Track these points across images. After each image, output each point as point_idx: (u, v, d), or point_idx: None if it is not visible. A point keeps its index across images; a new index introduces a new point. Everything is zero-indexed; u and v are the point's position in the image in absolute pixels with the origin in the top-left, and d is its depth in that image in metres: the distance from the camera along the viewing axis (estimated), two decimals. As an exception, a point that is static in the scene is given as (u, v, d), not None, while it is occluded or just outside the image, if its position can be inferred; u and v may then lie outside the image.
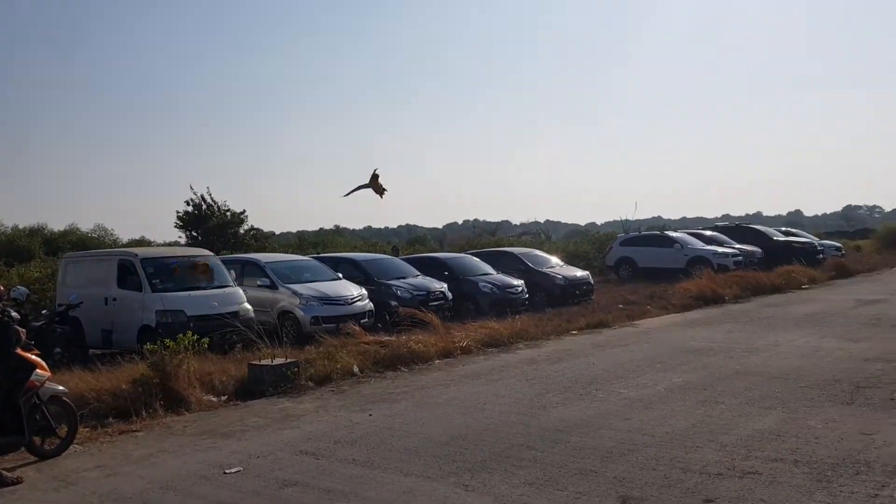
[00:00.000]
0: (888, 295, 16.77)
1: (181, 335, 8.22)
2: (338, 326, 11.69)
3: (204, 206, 23.97)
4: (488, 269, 17.04)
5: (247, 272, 13.72)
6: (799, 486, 4.70)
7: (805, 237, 29.12)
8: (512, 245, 25.31)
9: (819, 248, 26.87)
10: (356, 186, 3.77)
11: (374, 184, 3.77)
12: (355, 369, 9.17)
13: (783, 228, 31.86)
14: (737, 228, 27.47)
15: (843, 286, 20.01)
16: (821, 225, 77.65)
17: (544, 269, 18.28)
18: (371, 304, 13.41)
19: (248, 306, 11.75)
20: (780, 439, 5.75)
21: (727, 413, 6.65)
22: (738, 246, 23.73)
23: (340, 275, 14.11)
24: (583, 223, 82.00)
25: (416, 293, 14.33)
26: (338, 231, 49.78)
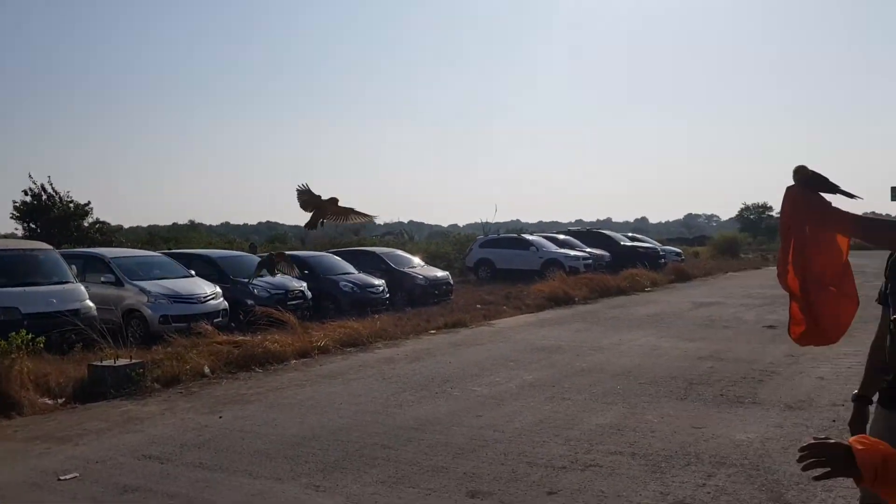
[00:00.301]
0: (722, 298, 18.12)
1: (13, 333, 7.64)
2: (189, 326, 11.23)
3: (44, 197, 22.36)
4: (349, 268, 16.94)
5: (90, 268, 12.89)
6: (635, 477, 5.00)
7: (649, 243, 31.03)
8: (375, 245, 25.30)
9: (661, 253, 28.73)
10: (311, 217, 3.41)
11: (332, 208, 3.33)
12: (206, 370, 8.85)
13: (630, 234, 33.75)
14: (588, 233, 28.85)
15: (682, 289, 21.45)
16: (664, 231, 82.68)
17: (406, 269, 18.41)
18: (225, 302, 12.98)
19: (91, 304, 11.05)
20: (620, 433, 6.09)
21: (573, 409, 6.96)
22: (588, 250, 24.93)
23: (193, 272, 13.58)
24: (445, 225, 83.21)
25: (273, 292, 14.01)
26: (193, 226, 47.84)
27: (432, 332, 12.64)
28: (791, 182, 2.26)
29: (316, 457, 5.61)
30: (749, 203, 73.24)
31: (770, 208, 76.21)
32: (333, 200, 3.36)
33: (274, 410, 7.15)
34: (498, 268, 23.78)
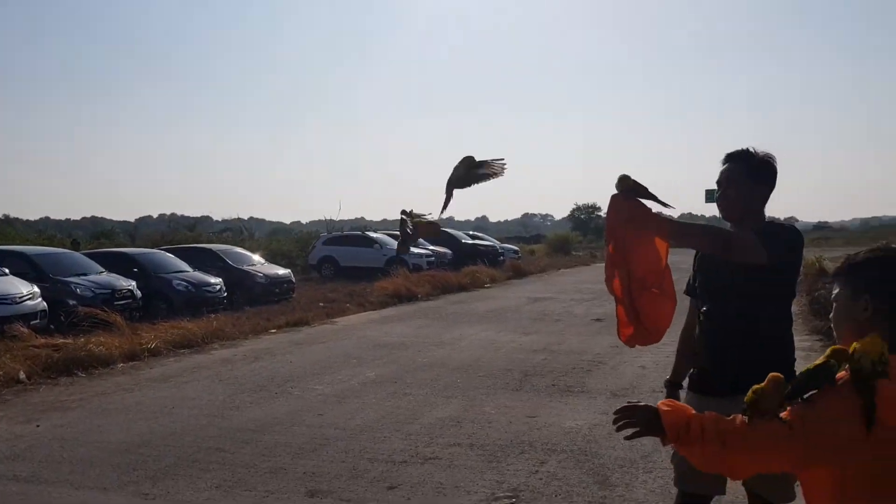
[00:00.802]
0: (555, 294, 19.00)
1: None
2: (2, 328, 10.32)
3: None
4: (184, 266, 16.19)
5: None
6: (473, 468, 5.14)
7: (489, 241, 32.02)
8: (211, 242, 24.35)
9: (500, 251, 29.76)
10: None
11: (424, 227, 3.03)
12: (21, 376, 8.15)
13: (470, 232, 34.61)
14: (431, 231, 29.25)
15: (519, 285, 22.29)
16: (503, 230, 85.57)
17: (245, 267, 17.87)
18: (44, 303, 12.03)
19: None
20: (459, 425, 6.24)
21: (414, 404, 7.05)
22: (431, 247, 25.29)
23: (7, 270, 12.46)
24: (288, 221, 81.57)
25: (99, 291, 13.16)
26: (7, 221, 43.94)
27: (273, 331, 12.35)
28: (615, 191, 2.37)
29: (145, 464, 5.32)
30: (580, 203, 77.41)
31: (598, 208, 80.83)
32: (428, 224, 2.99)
33: (98, 417, 6.71)
34: (342, 265, 23.66)
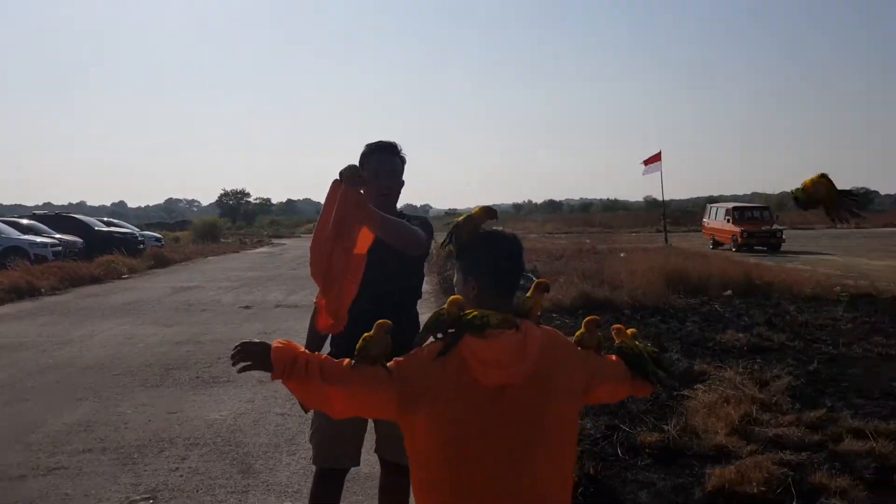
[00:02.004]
0: (202, 282, 18.36)
1: None
2: None
3: None
4: None
5: None
6: (105, 473, 4.77)
7: (127, 228, 29.71)
8: None
9: (140, 238, 27.79)
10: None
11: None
12: None
13: (105, 218, 31.82)
14: (57, 217, 26.36)
15: (162, 275, 21.10)
16: (143, 216, 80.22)
17: None
18: None
19: None
20: (90, 430, 5.74)
21: (35, 410, 6.31)
22: (57, 236, 22.77)
23: None
24: None
25: None
26: None
27: None
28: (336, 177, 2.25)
29: None
30: (229, 189, 75.65)
31: (248, 194, 80.00)
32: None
33: None
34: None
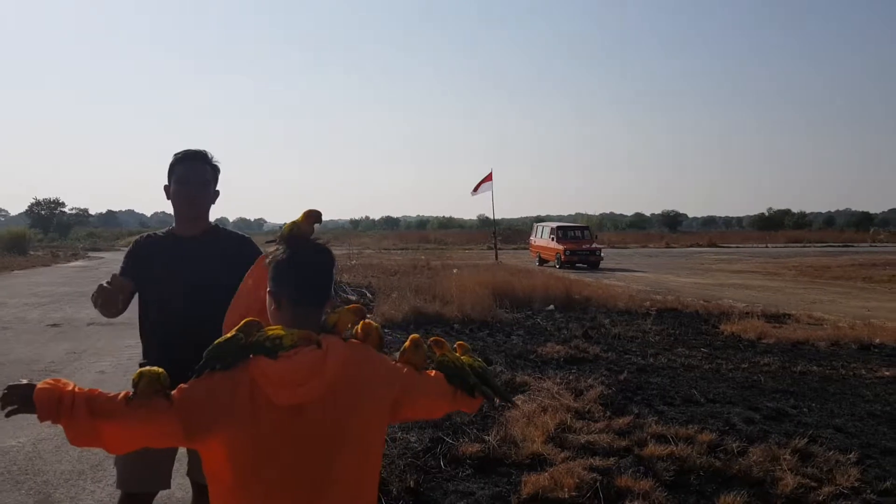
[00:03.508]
0: (5, 298, 16.75)
1: None
2: None
3: None
4: None
5: None
6: None
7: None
8: None
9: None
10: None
11: None
12: None
13: None
14: None
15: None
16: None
17: None
18: None
19: None
20: None
21: None
22: None
23: None
24: None
25: None
26: None
27: None
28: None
29: None
30: (41, 198, 69.94)
31: (63, 204, 74.29)
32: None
33: None
34: None
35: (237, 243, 2.98)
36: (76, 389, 1.71)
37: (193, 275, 2.82)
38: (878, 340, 9.79)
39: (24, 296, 17.37)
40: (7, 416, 1.73)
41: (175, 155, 2.88)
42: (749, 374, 7.87)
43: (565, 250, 27.92)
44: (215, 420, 1.68)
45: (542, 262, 29.60)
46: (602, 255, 28.74)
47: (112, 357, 9.07)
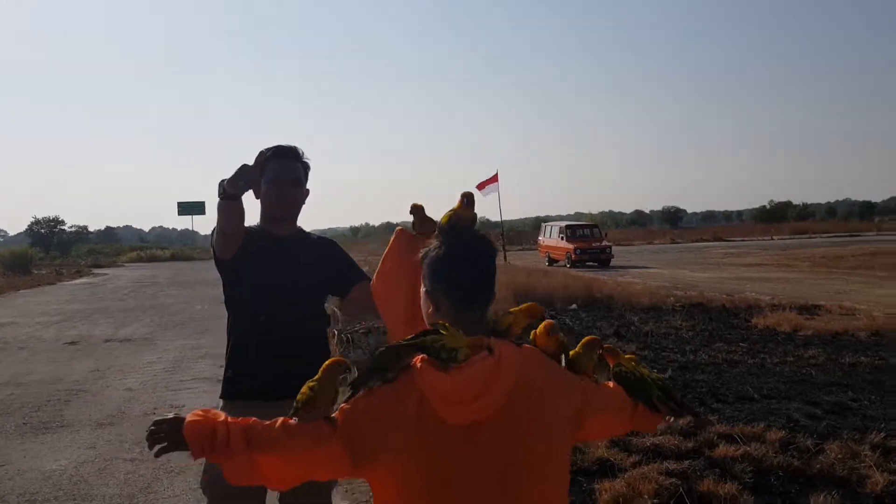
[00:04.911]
0: (16, 318, 16.54)
1: None
2: None
3: None
4: None
5: None
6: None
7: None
8: None
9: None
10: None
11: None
12: None
13: None
14: None
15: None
16: (-61, 247, 72.19)
17: None
18: None
19: None
20: None
21: None
22: None
23: None
24: None
25: None
26: None
27: None
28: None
29: None
30: (40, 217, 69.74)
31: (63, 221, 74.04)
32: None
33: None
34: None
35: (329, 246, 2.79)
36: (229, 420, 1.51)
37: (301, 275, 2.63)
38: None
39: (34, 314, 17.15)
40: (157, 455, 1.53)
41: (262, 151, 2.65)
42: (796, 367, 7.67)
43: (576, 249, 27.71)
44: (382, 443, 1.45)
45: (552, 261, 29.39)
46: (612, 252, 28.54)
47: (137, 374, 8.86)
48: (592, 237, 29.31)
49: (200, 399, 7.32)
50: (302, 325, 2.61)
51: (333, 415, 1.51)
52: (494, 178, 29.89)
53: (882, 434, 5.00)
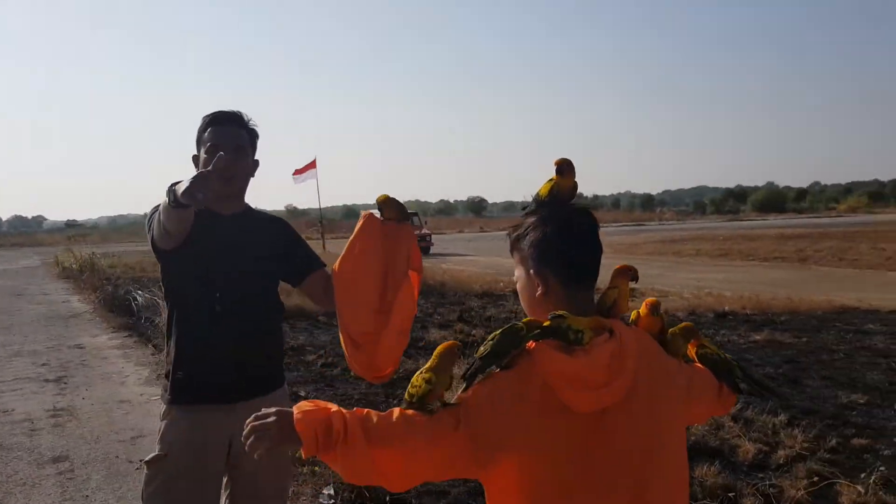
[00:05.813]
0: None
1: None
2: None
3: None
4: None
5: None
6: None
7: None
8: None
9: None
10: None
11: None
12: None
13: None
14: None
15: None
16: None
17: None
18: None
19: None
20: None
21: None
22: None
23: None
24: None
25: None
26: None
27: None
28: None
29: None
30: None
31: None
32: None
33: None
34: None
35: (282, 226, 2.45)
36: (344, 411, 1.30)
37: (251, 261, 2.28)
38: (727, 308, 10.53)
39: None
40: (258, 457, 1.29)
41: (204, 117, 2.26)
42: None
43: (395, 237, 27.85)
44: (508, 435, 1.29)
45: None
46: (432, 241, 29.00)
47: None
48: (413, 225, 29.62)
49: (30, 401, 6.48)
50: (255, 317, 2.28)
51: (451, 402, 1.35)
52: (312, 165, 29.21)
53: (737, 405, 5.39)
